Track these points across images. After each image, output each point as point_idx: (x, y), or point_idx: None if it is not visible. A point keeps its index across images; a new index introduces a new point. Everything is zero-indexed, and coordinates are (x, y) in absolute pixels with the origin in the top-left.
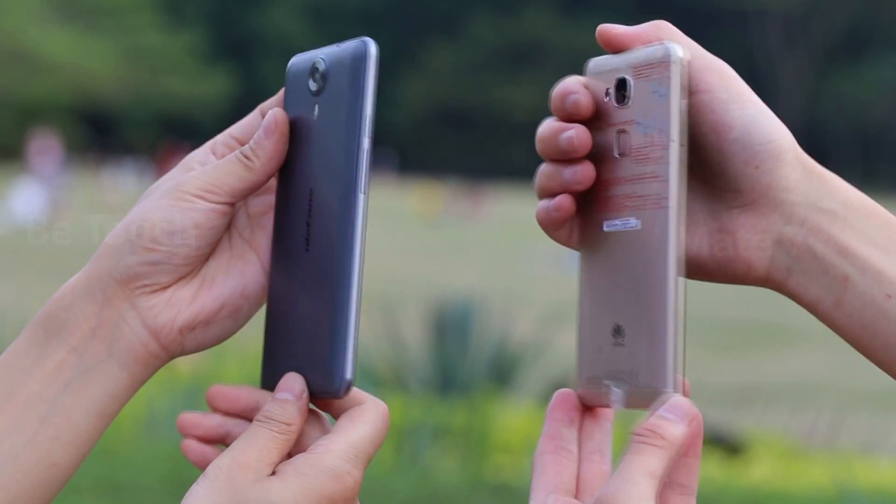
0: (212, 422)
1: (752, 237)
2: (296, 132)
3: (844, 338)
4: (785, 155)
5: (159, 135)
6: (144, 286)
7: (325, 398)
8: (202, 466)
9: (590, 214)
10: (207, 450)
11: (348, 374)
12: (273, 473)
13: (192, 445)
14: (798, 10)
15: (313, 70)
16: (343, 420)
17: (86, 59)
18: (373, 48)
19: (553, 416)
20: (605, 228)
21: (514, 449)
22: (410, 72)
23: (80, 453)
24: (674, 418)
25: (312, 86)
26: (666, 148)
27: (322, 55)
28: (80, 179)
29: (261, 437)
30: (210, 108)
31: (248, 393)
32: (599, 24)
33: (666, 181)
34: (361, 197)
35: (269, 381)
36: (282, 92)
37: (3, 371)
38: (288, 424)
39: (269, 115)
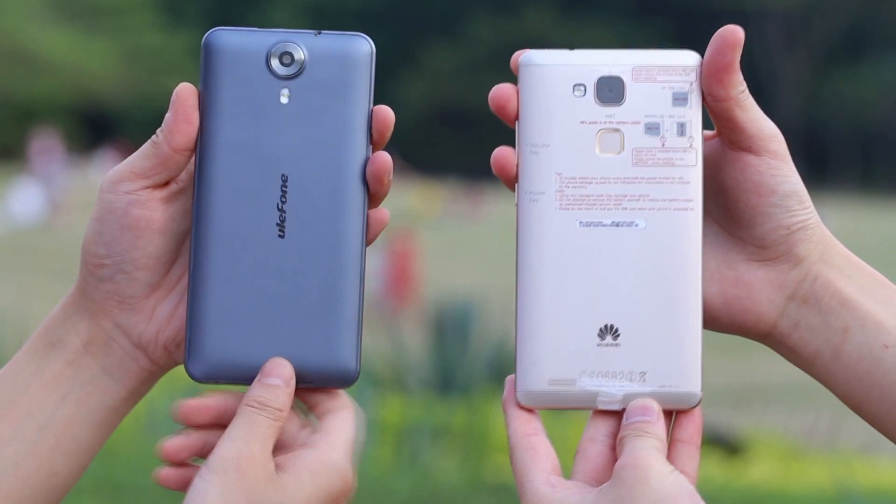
0: (192, 440)
1: (767, 292)
2: (244, 111)
3: (838, 391)
4: (812, 220)
5: None
6: (120, 302)
7: (320, 387)
8: (185, 488)
9: (551, 210)
10: (188, 470)
11: (358, 364)
12: (277, 467)
13: (171, 473)
14: (798, 10)
15: (283, 53)
16: (331, 419)
17: (86, 59)
18: (373, 46)
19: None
20: (580, 225)
21: None
22: (410, 72)
23: (80, 463)
24: (649, 418)
25: (280, 69)
26: (692, 152)
27: (294, 40)
28: (80, 179)
29: (260, 427)
30: None
31: (215, 401)
32: (599, 24)
33: (690, 184)
34: (366, 192)
35: (208, 366)
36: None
37: (6, 380)
38: (280, 410)
39: (174, 91)
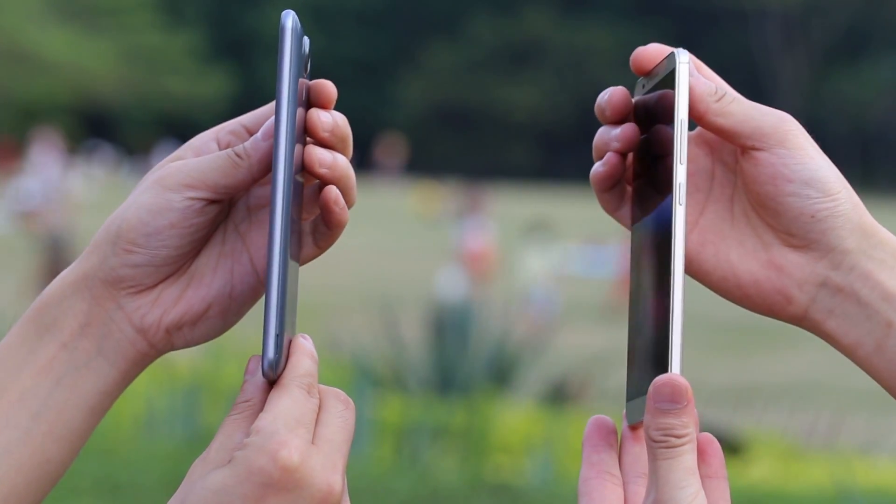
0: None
1: (798, 276)
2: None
3: (881, 381)
4: (841, 207)
5: (159, 134)
6: (129, 287)
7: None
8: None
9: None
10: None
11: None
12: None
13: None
14: (798, 10)
15: (307, 59)
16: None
17: (86, 59)
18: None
19: (590, 442)
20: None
21: (513, 449)
22: (410, 72)
23: (73, 448)
24: (670, 406)
25: (307, 73)
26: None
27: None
28: (80, 179)
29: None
30: (209, 108)
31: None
32: (599, 24)
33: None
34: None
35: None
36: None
37: None
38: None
39: (272, 118)
